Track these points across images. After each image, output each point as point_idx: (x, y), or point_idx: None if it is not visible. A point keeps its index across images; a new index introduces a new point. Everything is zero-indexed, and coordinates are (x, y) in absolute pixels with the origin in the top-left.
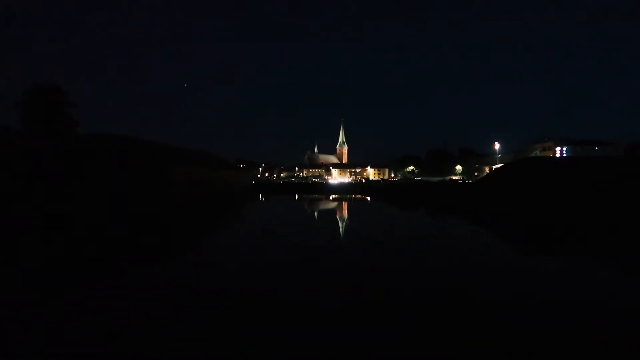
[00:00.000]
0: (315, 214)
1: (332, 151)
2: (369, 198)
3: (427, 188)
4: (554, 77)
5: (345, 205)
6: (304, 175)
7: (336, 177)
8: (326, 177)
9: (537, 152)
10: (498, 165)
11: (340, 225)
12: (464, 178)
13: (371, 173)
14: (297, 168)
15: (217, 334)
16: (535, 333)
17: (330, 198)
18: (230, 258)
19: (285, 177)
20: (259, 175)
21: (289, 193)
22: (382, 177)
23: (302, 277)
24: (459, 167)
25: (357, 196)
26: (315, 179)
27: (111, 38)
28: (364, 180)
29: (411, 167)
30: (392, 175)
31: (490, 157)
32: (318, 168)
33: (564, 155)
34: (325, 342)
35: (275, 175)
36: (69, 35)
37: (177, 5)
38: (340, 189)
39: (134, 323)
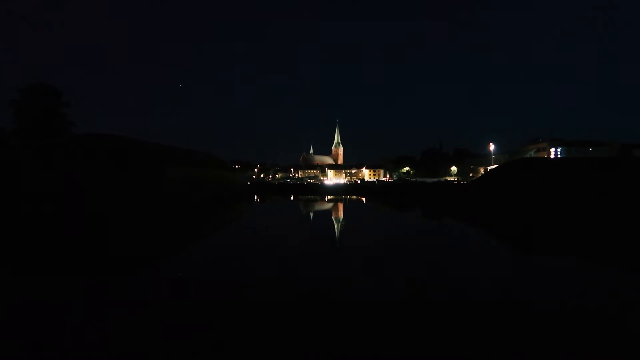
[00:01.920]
0: (311, 215)
1: (328, 152)
2: (364, 199)
3: (422, 189)
4: (552, 77)
5: (340, 206)
6: (300, 176)
7: (332, 178)
8: (322, 178)
9: (532, 153)
10: (493, 166)
11: (336, 226)
12: (459, 179)
13: (366, 174)
14: (292, 169)
15: (216, 332)
16: (533, 331)
17: (326, 199)
18: (227, 260)
19: (281, 177)
20: (254, 177)
21: (284, 194)
22: (377, 177)
23: (297, 278)
24: (454, 168)
25: (353, 197)
26: (310, 179)
27: (109, 37)
28: (359, 181)
29: (406, 168)
30: (388, 176)
31: (485, 158)
32: (313, 169)
33: (559, 156)
34: (323, 342)
35: (270, 176)
36: (68, 35)
37: (177, 6)
38: (336, 189)
39: (132, 323)
